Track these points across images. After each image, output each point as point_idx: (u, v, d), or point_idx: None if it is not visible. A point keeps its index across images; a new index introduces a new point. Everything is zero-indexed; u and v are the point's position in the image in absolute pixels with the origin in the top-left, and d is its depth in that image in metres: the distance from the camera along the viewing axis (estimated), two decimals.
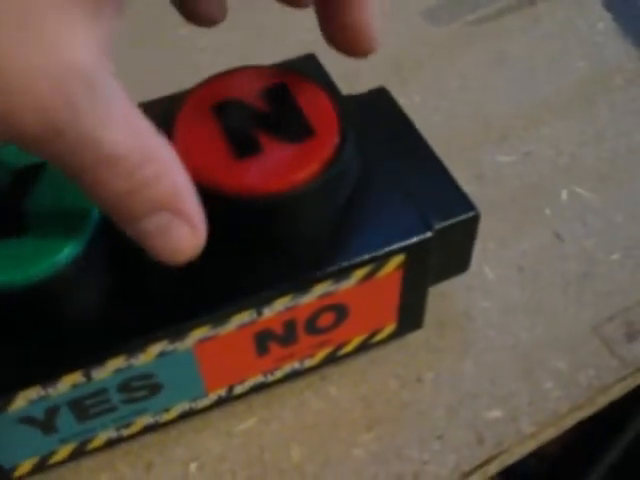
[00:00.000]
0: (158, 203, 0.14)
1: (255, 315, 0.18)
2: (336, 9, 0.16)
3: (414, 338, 0.22)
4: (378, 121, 0.21)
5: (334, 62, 0.20)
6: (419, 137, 0.21)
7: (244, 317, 0.17)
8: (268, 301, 0.17)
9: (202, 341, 0.17)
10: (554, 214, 0.25)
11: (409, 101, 0.22)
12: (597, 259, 0.23)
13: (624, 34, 0.31)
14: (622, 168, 0.26)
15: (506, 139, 0.27)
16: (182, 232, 0.14)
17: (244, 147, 0.17)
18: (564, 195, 0.25)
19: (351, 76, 0.20)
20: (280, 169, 0.17)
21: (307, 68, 0.21)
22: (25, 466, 0.19)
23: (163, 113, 0.18)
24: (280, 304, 0.18)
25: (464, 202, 0.19)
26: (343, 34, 0.17)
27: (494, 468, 0.20)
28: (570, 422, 0.20)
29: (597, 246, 0.24)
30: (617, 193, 0.25)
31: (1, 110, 0.11)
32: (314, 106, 0.18)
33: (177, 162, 0.14)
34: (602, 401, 0.21)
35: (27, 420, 0.17)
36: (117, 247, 0.17)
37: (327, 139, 0.18)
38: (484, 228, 0.20)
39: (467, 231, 0.20)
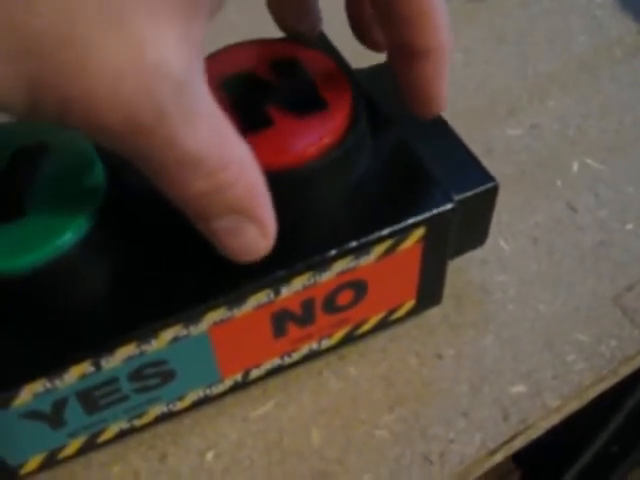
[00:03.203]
0: (233, 205, 0.13)
1: (272, 295, 0.16)
2: (409, 60, 0.16)
3: (432, 315, 0.20)
4: (389, 94, 0.19)
5: (338, 42, 0.19)
6: None
7: (261, 297, 0.16)
8: (286, 280, 0.16)
9: (217, 324, 0.16)
10: (565, 186, 0.23)
11: None
12: (612, 229, 0.22)
13: (623, 8, 0.29)
14: (629, 140, 0.25)
15: (513, 113, 0.25)
16: (252, 234, 0.14)
17: (255, 121, 0.16)
18: (575, 167, 0.24)
19: (356, 54, 0.19)
20: (293, 142, 0.16)
21: (315, 43, 0.19)
22: (33, 463, 0.17)
23: None
24: (298, 283, 0.16)
25: (483, 173, 0.18)
26: (412, 92, 0.16)
27: (519, 443, 0.18)
28: (593, 394, 0.19)
29: (610, 216, 0.22)
30: (626, 164, 0.24)
31: (87, 106, 0.11)
32: (325, 78, 0.17)
33: (255, 166, 0.14)
34: (624, 371, 0.19)
35: (33, 415, 0.15)
36: (124, 229, 0.15)
37: (340, 111, 0.16)
38: (497, 202, 0.19)
39: (486, 202, 0.18)
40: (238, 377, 0.18)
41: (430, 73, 0.16)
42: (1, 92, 0.10)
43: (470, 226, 0.19)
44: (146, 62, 0.11)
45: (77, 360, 0.14)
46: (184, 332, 0.15)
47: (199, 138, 0.12)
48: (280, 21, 0.18)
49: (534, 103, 0.26)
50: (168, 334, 0.15)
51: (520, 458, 0.47)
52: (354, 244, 0.16)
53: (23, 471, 0.17)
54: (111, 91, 0.10)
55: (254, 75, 0.17)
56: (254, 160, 0.14)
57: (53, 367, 0.14)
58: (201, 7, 0.11)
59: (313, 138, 0.16)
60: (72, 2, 0.10)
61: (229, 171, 0.13)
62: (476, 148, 0.19)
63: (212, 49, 0.17)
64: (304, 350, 0.18)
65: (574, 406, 0.19)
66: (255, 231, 0.14)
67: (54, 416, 0.15)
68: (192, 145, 0.12)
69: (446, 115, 0.19)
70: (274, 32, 0.18)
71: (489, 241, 0.20)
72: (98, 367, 0.15)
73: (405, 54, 0.15)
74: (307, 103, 0.16)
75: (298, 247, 0.16)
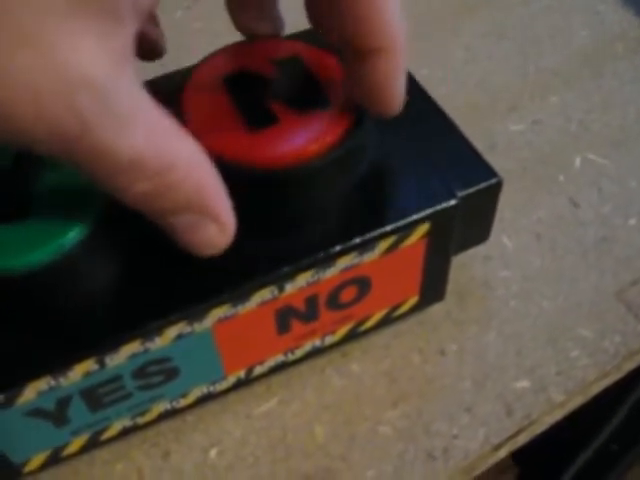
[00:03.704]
0: (183, 204, 0.13)
1: (276, 292, 0.16)
2: (361, 60, 0.14)
3: (435, 311, 0.20)
4: None
5: None
6: (435, 106, 0.19)
7: (265, 294, 0.15)
8: (290, 277, 0.15)
9: (221, 321, 0.15)
10: (568, 181, 0.23)
11: (416, 74, 0.20)
12: (614, 224, 0.22)
13: (625, 3, 0.29)
14: (632, 135, 0.24)
15: (514, 109, 0.25)
16: (210, 230, 0.14)
17: (259, 119, 0.16)
18: (577, 162, 0.24)
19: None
20: (297, 140, 0.15)
21: (316, 41, 0.19)
22: (36, 460, 0.17)
23: (170, 88, 0.16)
24: (302, 279, 0.16)
25: (486, 169, 0.18)
26: (365, 88, 0.15)
27: (523, 439, 0.18)
28: (597, 389, 0.19)
29: (613, 212, 0.22)
30: (629, 159, 0.24)
31: (13, 124, 0.11)
32: (328, 76, 0.17)
33: (203, 162, 0.13)
34: (628, 367, 0.19)
35: (37, 412, 0.15)
36: (127, 227, 0.15)
37: (344, 108, 0.16)
38: (500, 197, 0.18)
39: (489, 198, 0.18)
40: (241, 374, 0.18)
41: (382, 73, 0.14)
42: None
43: (473, 222, 0.18)
44: (63, 74, 0.10)
45: (81, 358, 0.14)
46: (188, 329, 0.15)
47: (134, 143, 0.12)
48: (238, 23, 0.17)
49: (536, 99, 0.26)
50: (172, 331, 0.15)
51: (518, 455, 0.47)
52: (358, 240, 0.16)
53: (26, 469, 0.17)
54: (32, 105, 0.10)
55: (257, 73, 0.17)
56: (203, 156, 0.13)
57: (57, 365, 0.14)
58: (122, 11, 0.11)
59: (317, 135, 0.15)
60: None
61: (173, 171, 0.12)
62: (478, 144, 0.18)
63: (213, 49, 0.17)
64: (307, 347, 0.18)
65: (578, 401, 0.19)
66: (213, 227, 0.14)
67: (58, 414, 0.15)
68: (126, 151, 0.12)
69: (448, 111, 0.19)
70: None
71: (492, 237, 0.20)
72: (102, 365, 0.15)
73: (353, 53, 0.14)
74: (310, 100, 0.16)
75: (302, 244, 0.16)
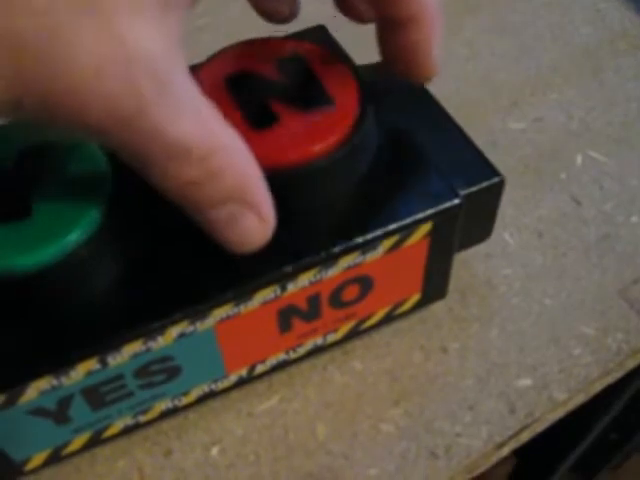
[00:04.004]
0: (226, 194, 0.13)
1: (279, 291, 0.15)
2: (395, 29, 0.15)
3: (437, 308, 0.20)
4: (394, 90, 0.19)
5: (339, 36, 0.18)
6: (437, 105, 0.19)
7: (267, 293, 0.15)
8: (292, 276, 0.15)
9: (224, 320, 0.15)
10: (570, 179, 0.23)
11: None
12: (616, 222, 0.22)
13: (625, 0, 0.29)
14: (634, 132, 0.24)
15: (516, 106, 0.25)
16: (250, 222, 0.14)
17: (262, 119, 0.15)
18: (579, 160, 0.23)
19: (357, 49, 0.18)
20: (300, 140, 0.15)
21: (318, 39, 0.19)
22: (38, 458, 0.16)
23: None
24: (305, 279, 0.16)
25: (488, 168, 0.18)
26: (400, 56, 0.15)
27: (526, 437, 0.18)
28: (599, 387, 0.19)
29: (615, 209, 0.22)
30: (631, 157, 0.24)
31: (70, 101, 0.11)
32: (331, 75, 0.16)
33: (245, 152, 0.13)
34: (631, 364, 0.19)
35: (39, 411, 0.15)
36: (131, 226, 0.15)
37: (347, 108, 0.16)
38: (502, 195, 0.18)
39: (492, 197, 0.18)
40: (243, 372, 0.18)
41: (423, 38, 0.15)
42: None
43: (475, 220, 0.18)
44: (124, 53, 0.10)
45: (83, 357, 0.14)
46: (190, 328, 0.15)
47: (183, 126, 0.12)
48: (256, 4, 0.17)
49: (537, 96, 0.25)
50: (174, 330, 0.15)
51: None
52: (360, 240, 0.16)
53: (28, 467, 0.17)
54: (92, 84, 0.10)
55: (259, 73, 0.16)
56: (244, 146, 0.13)
57: (59, 364, 0.14)
58: None
59: (320, 135, 0.15)
60: None
61: (218, 157, 0.12)
62: (480, 142, 0.18)
63: (215, 49, 0.17)
64: (309, 345, 0.18)
65: (580, 399, 0.19)
66: (253, 217, 0.13)
67: (59, 413, 0.15)
68: (177, 134, 0.11)
69: (449, 109, 0.19)
70: (277, 30, 0.18)
71: (494, 235, 0.20)
72: (104, 364, 0.15)
73: (388, 23, 0.15)
74: (313, 100, 0.16)
75: (305, 243, 0.15)
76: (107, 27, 0.10)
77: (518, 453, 0.47)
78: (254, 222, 0.14)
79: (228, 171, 0.13)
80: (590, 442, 0.38)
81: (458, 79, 0.26)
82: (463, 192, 0.17)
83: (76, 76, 0.10)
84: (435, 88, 0.19)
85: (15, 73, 0.10)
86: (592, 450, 0.41)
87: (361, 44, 0.18)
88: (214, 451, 0.18)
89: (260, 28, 0.18)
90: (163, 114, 0.11)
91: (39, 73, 0.10)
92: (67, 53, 0.10)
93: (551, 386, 0.18)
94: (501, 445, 0.18)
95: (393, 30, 0.15)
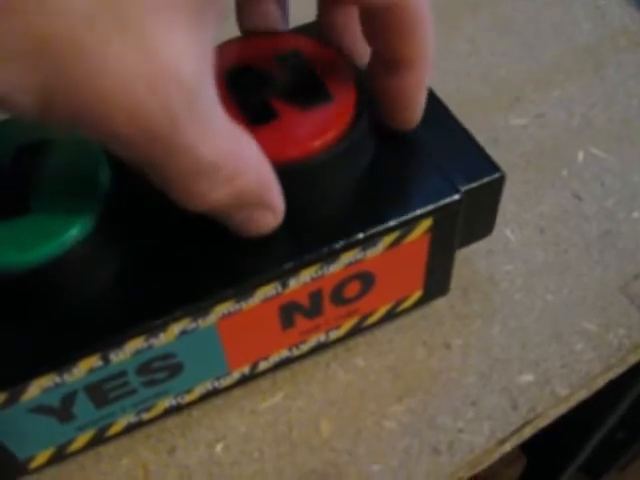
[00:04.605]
0: (248, 203, 0.14)
1: (280, 287, 0.15)
2: (387, 69, 0.15)
3: (439, 305, 0.20)
4: None
5: None
6: (438, 101, 0.19)
7: (269, 290, 0.15)
8: (294, 272, 0.15)
9: (225, 317, 0.15)
10: (571, 175, 0.23)
11: None
12: (618, 218, 0.22)
13: None
14: (635, 128, 0.24)
15: (517, 102, 0.25)
16: (267, 218, 0.14)
17: (259, 115, 0.15)
18: (580, 156, 0.23)
19: None
20: (299, 135, 0.15)
21: (317, 35, 0.19)
22: (41, 457, 0.16)
23: None
24: (306, 275, 0.16)
25: (489, 164, 0.18)
26: (386, 98, 0.16)
27: (528, 432, 0.18)
28: (601, 382, 0.19)
29: (617, 205, 0.22)
30: (633, 153, 0.23)
31: (100, 113, 0.10)
32: (329, 71, 0.16)
33: (265, 161, 0.14)
34: (633, 360, 0.19)
35: (42, 409, 0.15)
36: (130, 223, 0.15)
37: (345, 103, 0.16)
38: (503, 191, 0.18)
39: (493, 193, 0.18)
40: (246, 369, 0.18)
41: (413, 83, 0.15)
42: (13, 94, 0.10)
43: (477, 216, 0.18)
44: (158, 67, 0.10)
45: (86, 354, 0.14)
46: (192, 325, 0.15)
47: (214, 145, 0.12)
48: (242, 25, 0.17)
49: (539, 93, 0.25)
50: (176, 327, 0.15)
51: (527, 445, 0.47)
52: (361, 236, 0.16)
53: (32, 465, 0.17)
54: (125, 97, 0.10)
55: (258, 68, 0.16)
56: (260, 151, 0.13)
57: (62, 361, 0.14)
58: (212, 11, 0.11)
59: (319, 130, 0.15)
60: (86, 7, 0.10)
61: (247, 174, 0.13)
62: (481, 138, 0.18)
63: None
64: (312, 342, 0.18)
65: (583, 395, 0.19)
66: (269, 215, 0.14)
67: (63, 410, 0.15)
68: (207, 153, 0.11)
69: (451, 105, 0.19)
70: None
71: (495, 231, 0.20)
72: (107, 361, 0.15)
73: (390, 63, 0.15)
74: (311, 95, 0.16)
75: (305, 239, 0.15)
76: (140, 42, 0.10)
77: (527, 453, 0.47)
78: (270, 217, 0.14)
79: (255, 184, 0.13)
80: (597, 441, 0.38)
81: (459, 76, 0.26)
82: (463, 188, 0.17)
83: (107, 89, 0.10)
84: (436, 85, 0.19)
85: (46, 79, 0.10)
86: (600, 449, 0.41)
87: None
88: (218, 448, 0.18)
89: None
90: (194, 132, 0.11)
91: (70, 81, 0.10)
92: (98, 64, 0.10)
93: (553, 382, 0.18)
94: (503, 441, 0.18)
95: (385, 70, 0.15)
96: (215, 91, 0.12)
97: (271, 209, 0.14)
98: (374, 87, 0.16)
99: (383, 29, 0.14)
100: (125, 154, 0.11)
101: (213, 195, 0.12)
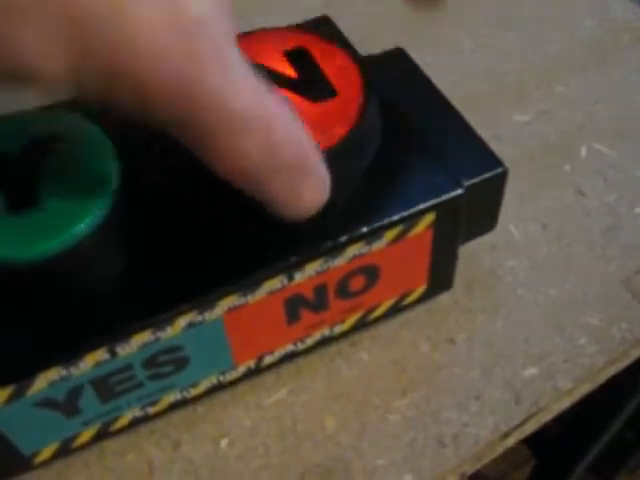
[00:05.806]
0: (287, 162, 0.13)
1: (286, 281, 0.16)
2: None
3: (443, 300, 0.20)
4: (398, 81, 0.19)
5: (343, 27, 0.19)
6: (441, 96, 0.19)
7: (275, 283, 0.16)
8: (299, 266, 0.15)
9: (231, 310, 0.15)
10: (574, 171, 0.23)
11: (422, 62, 0.20)
12: (620, 213, 0.22)
13: None
14: (638, 124, 0.24)
15: (521, 99, 0.25)
16: (308, 186, 0.13)
17: None
18: (583, 152, 0.24)
19: (360, 40, 0.19)
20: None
21: (322, 30, 0.19)
22: (46, 452, 0.17)
23: None
24: (311, 268, 0.16)
25: (492, 159, 0.18)
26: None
27: (531, 427, 0.18)
28: (604, 377, 0.19)
29: (619, 201, 0.22)
30: (635, 149, 0.24)
31: (132, 73, 0.11)
32: (335, 66, 0.17)
33: (295, 114, 0.13)
34: (636, 353, 0.19)
35: (48, 403, 0.15)
36: (138, 216, 0.15)
37: (351, 99, 0.16)
38: (506, 187, 0.18)
39: (495, 188, 0.18)
40: (251, 364, 0.18)
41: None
42: (45, 67, 0.10)
43: (480, 211, 0.18)
44: (185, 17, 0.11)
45: (92, 347, 0.14)
46: (199, 318, 0.15)
47: (243, 96, 0.11)
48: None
49: (542, 89, 0.26)
50: (183, 320, 0.15)
51: (535, 446, 0.47)
52: (365, 230, 0.16)
53: (36, 460, 0.17)
54: (152, 43, 0.10)
55: (262, 64, 0.17)
56: (294, 111, 0.13)
57: (68, 355, 0.14)
58: None
59: (325, 126, 0.15)
60: None
61: (280, 126, 0.12)
62: (484, 134, 0.18)
63: None
64: (317, 336, 0.18)
65: (586, 389, 0.19)
66: (308, 183, 0.13)
67: (69, 404, 0.15)
68: (238, 104, 0.11)
69: (454, 101, 0.19)
70: (280, 21, 0.18)
71: (498, 226, 0.20)
72: (113, 354, 0.15)
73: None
74: (317, 91, 0.16)
75: (311, 233, 0.16)
76: None
77: (536, 454, 0.47)
78: (309, 187, 0.13)
79: (289, 139, 0.12)
80: (606, 441, 0.38)
81: (462, 72, 0.26)
82: (466, 183, 0.17)
83: (137, 47, 0.10)
84: (439, 81, 0.19)
85: (76, 48, 0.10)
86: (609, 450, 0.41)
87: (361, 38, 0.18)
88: (223, 443, 0.18)
89: (264, 18, 0.18)
90: (225, 83, 0.11)
91: (101, 47, 0.10)
92: (131, 21, 0.10)
93: (556, 376, 0.19)
94: (507, 434, 0.18)
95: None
96: (239, 50, 0.12)
97: (309, 174, 0.13)
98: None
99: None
100: (158, 116, 0.11)
101: (245, 147, 0.12)
